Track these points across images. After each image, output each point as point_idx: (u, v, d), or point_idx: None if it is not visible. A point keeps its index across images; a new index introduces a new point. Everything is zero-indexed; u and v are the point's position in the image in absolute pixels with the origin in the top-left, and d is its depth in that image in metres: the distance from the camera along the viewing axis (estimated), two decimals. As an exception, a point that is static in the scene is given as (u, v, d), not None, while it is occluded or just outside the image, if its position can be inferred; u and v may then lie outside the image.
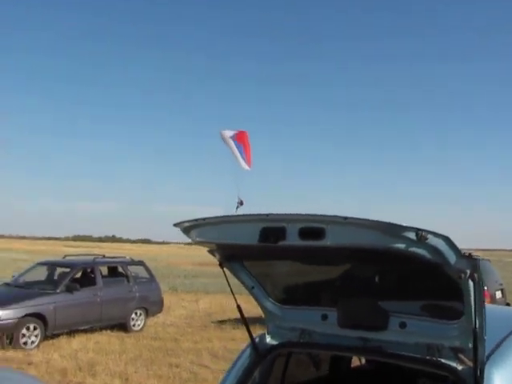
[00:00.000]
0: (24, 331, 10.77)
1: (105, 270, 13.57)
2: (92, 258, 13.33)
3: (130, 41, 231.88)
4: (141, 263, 14.43)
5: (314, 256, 2.85)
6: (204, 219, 2.78)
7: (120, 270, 13.80)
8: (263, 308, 3.50)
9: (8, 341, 10.45)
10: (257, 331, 11.39)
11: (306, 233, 2.49)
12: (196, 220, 2.78)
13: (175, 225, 2.84)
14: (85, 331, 12.30)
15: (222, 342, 12.21)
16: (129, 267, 13.79)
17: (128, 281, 13.42)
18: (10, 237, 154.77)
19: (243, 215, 2.76)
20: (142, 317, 13.45)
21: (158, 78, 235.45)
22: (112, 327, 13.00)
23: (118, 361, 9.98)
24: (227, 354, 10.83)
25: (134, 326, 13.20)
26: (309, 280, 3.42)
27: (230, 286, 3.38)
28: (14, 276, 13.52)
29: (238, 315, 12.76)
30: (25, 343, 10.75)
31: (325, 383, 4.21)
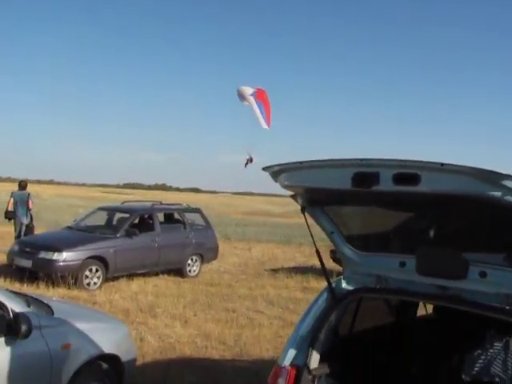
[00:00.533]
0: (87, 273, 11.17)
1: (161, 217, 13.83)
2: (150, 204, 13.62)
3: None
4: (197, 210, 14.64)
5: (404, 202, 2.87)
6: (295, 163, 2.82)
7: (176, 216, 14.09)
8: (341, 253, 3.55)
9: (73, 281, 10.85)
10: (310, 281, 11.53)
11: (400, 178, 2.50)
12: (287, 164, 2.82)
13: (264, 168, 2.89)
14: (143, 275, 12.64)
15: (276, 289, 12.41)
16: (185, 214, 14.04)
17: (184, 227, 13.67)
18: (65, 183, 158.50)
19: (335, 160, 2.77)
20: (198, 263, 13.73)
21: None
22: (168, 272, 13.32)
23: (177, 304, 10.26)
24: (282, 301, 11.07)
25: (189, 271, 13.50)
26: (389, 227, 3.44)
27: (310, 231, 3.42)
28: (75, 220, 13.95)
29: (290, 264, 13.03)
30: (88, 284, 11.17)
31: (391, 330, 4.29)
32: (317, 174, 2.83)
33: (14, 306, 4.10)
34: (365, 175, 2.62)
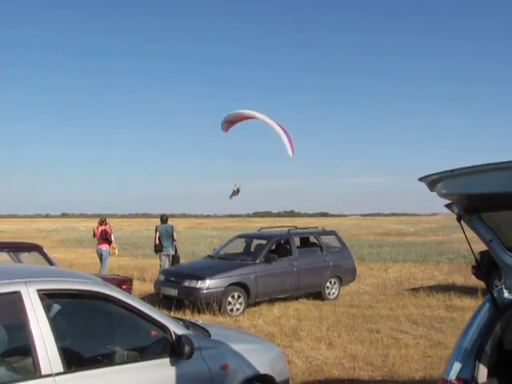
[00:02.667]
0: (230, 299, 11.49)
1: (298, 241, 13.96)
2: (286, 229, 13.81)
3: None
4: (332, 233, 14.67)
5: None
6: (452, 171, 2.79)
7: (312, 240, 14.17)
8: (501, 262, 3.43)
9: (217, 307, 11.20)
10: (452, 299, 11.15)
11: None
12: (444, 172, 2.80)
13: (421, 179, 2.89)
14: (283, 299, 12.81)
15: (418, 308, 12.14)
16: (321, 237, 14.09)
17: (321, 250, 13.73)
18: (196, 216, 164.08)
19: (495, 163, 2.68)
20: (337, 285, 13.70)
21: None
22: (308, 296, 13.39)
23: (319, 326, 10.28)
24: (426, 321, 10.79)
25: (329, 294, 13.50)
26: None
27: (468, 240, 3.34)
28: (215, 249, 14.43)
29: (429, 283, 12.68)
30: (231, 310, 11.48)
31: None
32: (477, 179, 2.77)
33: (176, 329, 4.32)
34: None
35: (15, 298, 3.67)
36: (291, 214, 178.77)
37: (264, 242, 13.07)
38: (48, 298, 3.84)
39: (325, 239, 14.24)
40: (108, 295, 4.12)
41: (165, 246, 15.48)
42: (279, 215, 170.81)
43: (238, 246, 14.14)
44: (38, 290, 3.76)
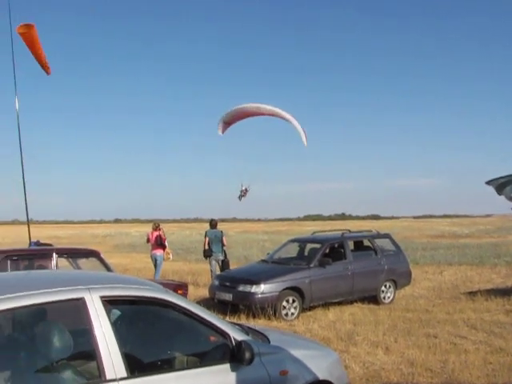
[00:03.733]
0: (284, 303, 11.47)
1: (351, 245, 13.84)
2: (340, 233, 13.73)
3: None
4: (387, 236, 14.52)
5: None
6: None
7: (366, 243, 14.04)
8: None
9: (272, 312, 11.20)
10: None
11: None
12: None
13: (488, 182, 2.84)
14: (338, 304, 12.72)
15: (477, 313, 11.88)
16: (375, 240, 13.95)
17: (376, 254, 13.60)
18: (246, 220, 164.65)
19: None
20: (392, 289, 13.53)
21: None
22: (362, 300, 13.30)
23: (375, 331, 10.16)
24: (485, 326, 10.55)
25: (384, 298, 13.35)
26: None
27: None
28: (268, 253, 14.45)
29: (487, 286, 12.43)
30: (286, 314, 11.45)
31: None
32: None
33: (236, 335, 4.33)
34: None
35: (79, 305, 3.75)
36: (342, 216, 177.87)
37: (318, 245, 13.01)
38: (110, 304, 3.90)
39: (379, 242, 14.09)
40: (169, 301, 4.17)
41: (214, 251, 15.47)
42: (330, 218, 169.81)
43: (292, 250, 14.13)
44: (101, 297, 3.83)
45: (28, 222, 12.46)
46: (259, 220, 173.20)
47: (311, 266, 12.21)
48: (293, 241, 14.52)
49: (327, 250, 12.94)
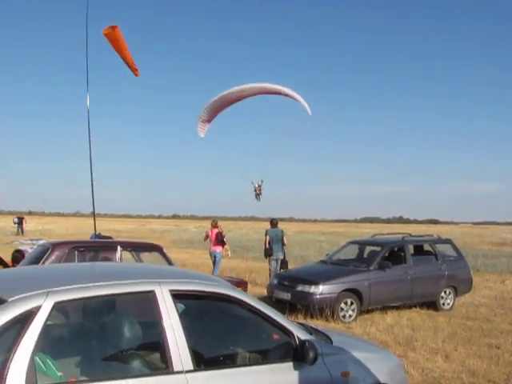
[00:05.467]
0: (342, 305, 11.43)
1: (411, 249, 13.65)
2: (400, 236, 13.56)
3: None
4: (448, 241, 14.26)
5: None
6: None
7: (427, 248, 13.84)
8: None
9: (330, 313, 11.18)
10: None
11: None
12: None
13: None
14: (396, 308, 12.58)
15: (546, 325, 11.53)
16: (436, 245, 13.73)
17: (436, 259, 13.37)
18: (303, 220, 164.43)
19: None
20: (452, 296, 13.28)
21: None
22: (421, 305, 13.09)
23: (435, 338, 10.02)
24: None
25: (443, 304, 13.11)
26: None
27: None
28: (327, 254, 14.42)
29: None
30: (343, 316, 11.41)
31: None
32: None
33: (300, 334, 4.36)
34: None
35: (150, 297, 3.86)
36: (400, 220, 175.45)
37: (378, 248, 12.90)
38: (178, 297, 3.99)
39: (440, 248, 13.85)
40: (236, 298, 4.24)
41: (275, 250, 15.63)
42: (388, 221, 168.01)
43: (351, 252, 14.05)
44: (171, 290, 3.93)
45: (94, 216, 12.78)
46: (316, 220, 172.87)
47: (371, 268, 12.13)
48: (352, 242, 14.44)
49: (387, 254, 12.80)
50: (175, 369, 3.70)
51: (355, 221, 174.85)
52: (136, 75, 12.39)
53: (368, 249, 13.54)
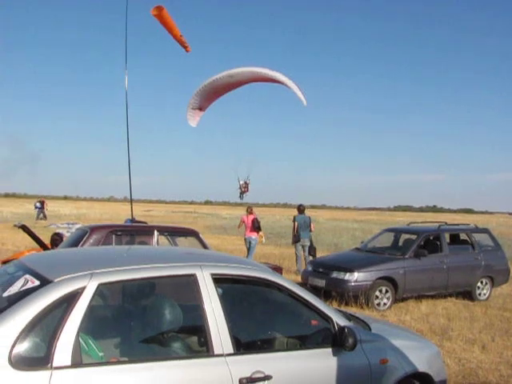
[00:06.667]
0: (377, 293, 11.37)
1: (447, 238, 13.46)
2: (436, 225, 13.42)
3: None
4: (485, 231, 14.07)
5: None
6: None
7: (463, 237, 13.66)
8: None
9: (364, 301, 11.14)
10: None
11: None
12: None
13: None
14: (431, 297, 12.48)
15: None
16: (473, 235, 13.55)
17: (473, 248, 13.20)
18: (336, 208, 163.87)
19: None
20: (488, 286, 13.11)
21: None
22: (456, 295, 12.94)
23: (471, 328, 9.90)
24: None
25: (479, 295, 12.96)
26: None
27: None
28: (362, 242, 14.35)
29: None
30: (378, 304, 11.35)
31: None
32: None
33: (339, 320, 4.35)
34: None
35: (191, 281, 3.88)
36: (434, 209, 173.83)
37: (414, 236, 12.78)
38: (219, 281, 4.00)
39: (476, 237, 13.66)
40: (276, 283, 4.24)
41: (302, 236, 15.72)
42: (421, 210, 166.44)
43: (386, 240, 13.94)
44: (212, 274, 3.95)
45: (131, 201, 12.90)
46: (348, 208, 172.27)
47: (406, 256, 12.03)
48: (388, 230, 14.33)
49: (423, 242, 12.67)
50: (215, 352, 3.73)
51: (388, 209, 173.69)
52: (187, 51, 12.46)
53: (403, 237, 13.43)
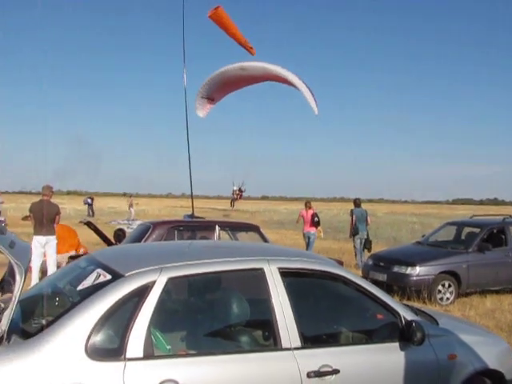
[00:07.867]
0: (440, 287, 11.18)
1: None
2: (501, 218, 13.09)
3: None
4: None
5: None
6: None
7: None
8: None
9: (427, 295, 10.98)
10: None
11: None
12: None
13: None
14: (496, 292, 12.15)
15: None
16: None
17: (539, 242, 12.78)
18: (393, 201, 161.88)
19: None
20: (556, 280, 12.72)
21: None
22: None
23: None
24: None
25: (547, 289, 12.60)
26: None
27: None
28: (423, 235, 14.14)
29: None
30: (441, 299, 11.15)
31: None
32: None
33: (406, 314, 4.31)
34: None
35: (258, 275, 3.92)
36: (494, 201, 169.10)
37: (477, 230, 12.50)
38: (286, 275, 4.02)
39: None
40: (343, 277, 4.24)
41: (360, 229, 15.80)
42: (481, 203, 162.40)
43: (448, 234, 13.69)
44: (279, 268, 3.97)
45: (192, 197, 13.05)
46: (406, 202, 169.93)
47: (469, 250, 11.78)
48: (450, 224, 14.07)
49: (486, 235, 12.35)
50: (283, 345, 3.76)
51: (447, 202, 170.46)
52: (252, 54, 12.11)
53: (466, 230, 13.17)
